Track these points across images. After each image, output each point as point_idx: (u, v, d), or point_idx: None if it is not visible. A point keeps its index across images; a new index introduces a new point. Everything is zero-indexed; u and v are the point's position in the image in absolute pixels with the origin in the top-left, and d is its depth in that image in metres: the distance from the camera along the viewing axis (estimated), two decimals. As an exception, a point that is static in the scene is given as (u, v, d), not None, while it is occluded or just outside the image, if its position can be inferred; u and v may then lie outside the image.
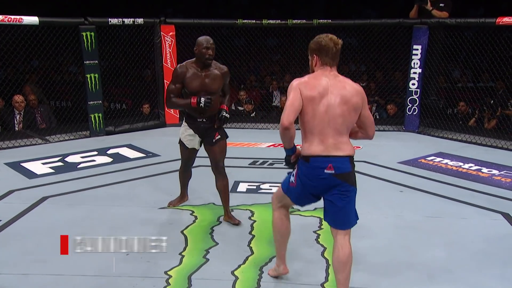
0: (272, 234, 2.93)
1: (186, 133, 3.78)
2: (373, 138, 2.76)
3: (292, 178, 2.71)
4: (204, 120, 3.68)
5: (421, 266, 3.17)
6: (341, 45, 2.61)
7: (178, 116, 7.50)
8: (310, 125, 2.55)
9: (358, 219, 2.68)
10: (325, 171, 2.53)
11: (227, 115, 3.73)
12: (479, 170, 5.31)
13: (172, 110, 7.55)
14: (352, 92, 2.55)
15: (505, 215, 3.96)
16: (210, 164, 3.85)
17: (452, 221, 3.93)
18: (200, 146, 3.83)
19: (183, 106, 3.70)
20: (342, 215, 2.62)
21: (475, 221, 3.92)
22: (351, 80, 2.63)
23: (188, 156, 3.89)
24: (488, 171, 5.24)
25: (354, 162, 2.62)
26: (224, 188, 3.85)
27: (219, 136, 3.74)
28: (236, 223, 3.83)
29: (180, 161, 4.02)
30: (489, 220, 3.87)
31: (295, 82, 2.58)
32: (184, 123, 3.81)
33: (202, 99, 3.50)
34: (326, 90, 2.53)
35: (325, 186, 2.58)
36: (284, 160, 2.76)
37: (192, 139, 3.77)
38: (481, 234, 3.68)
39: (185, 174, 4.09)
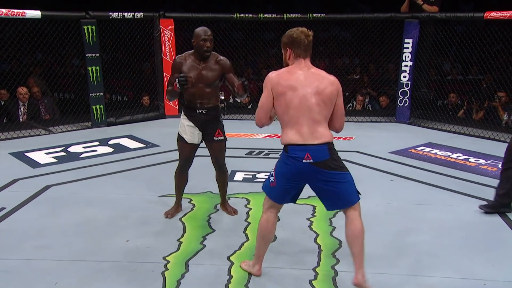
0: (256, 233, 2.86)
1: (186, 127, 3.55)
2: (340, 131, 2.72)
3: (271, 178, 2.68)
4: (203, 111, 3.49)
5: (409, 252, 3.19)
6: (312, 36, 2.60)
7: (177, 107, 7.48)
8: (286, 116, 2.55)
9: (360, 194, 2.65)
10: (304, 160, 2.51)
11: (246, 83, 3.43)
12: (467, 159, 5.32)
13: (171, 102, 7.53)
14: (326, 83, 2.55)
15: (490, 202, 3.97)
16: (208, 155, 3.73)
17: (440, 209, 3.95)
18: (200, 141, 3.61)
19: (172, 92, 3.48)
20: (335, 199, 2.62)
21: (462, 208, 3.94)
22: (325, 72, 2.63)
23: (187, 153, 3.62)
24: (475, 160, 5.25)
25: (337, 150, 2.61)
26: (223, 181, 3.79)
27: (221, 137, 3.58)
28: (230, 213, 3.79)
29: (177, 162, 3.76)
30: (475, 208, 3.88)
31: (266, 80, 2.60)
32: (182, 116, 3.59)
33: (177, 79, 3.28)
34: (300, 82, 2.53)
35: (306, 174, 2.56)
36: None
37: (192, 132, 3.53)
38: (467, 221, 3.70)
39: (182, 177, 3.76)
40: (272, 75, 2.60)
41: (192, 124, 3.52)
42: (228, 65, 3.52)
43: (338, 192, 2.58)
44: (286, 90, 2.52)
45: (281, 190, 2.68)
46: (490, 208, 3.77)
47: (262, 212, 2.81)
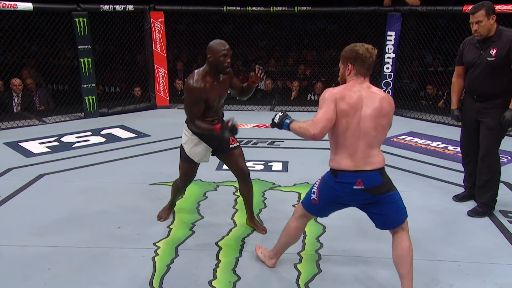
0: (281, 233, 2.73)
1: (197, 148, 3.08)
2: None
3: (313, 196, 2.48)
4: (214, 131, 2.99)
5: (389, 237, 3.23)
6: (374, 56, 2.35)
7: (168, 98, 7.45)
8: (342, 138, 2.30)
9: (406, 211, 2.46)
10: (354, 186, 2.30)
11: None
12: (446, 147, 5.38)
13: (162, 93, 7.50)
14: (386, 106, 2.31)
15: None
16: (229, 168, 3.32)
17: (419, 195, 3.99)
18: (208, 159, 3.21)
19: (205, 130, 2.93)
20: (383, 220, 2.44)
21: (441, 194, 3.99)
22: (381, 90, 2.40)
23: (192, 174, 3.24)
24: (454, 148, 5.30)
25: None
26: (248, 192, 3.30)
27: (236, 144, 3.20)
28: (262, 232, 3.29)
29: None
30: (452, 193, 3.93)
31: (330, 93, 2.29)
32: (190, 136, 3.07)
33: (227, 130, 2.77)
34: (360, 102, 2.27)
35: (355, 200, 2.39)
36: (277, 120, 2.49)
37: (203, 153, 3.12)
38: (445, 206, 3.75)
39: (181, 191, 3.49)
40: (335, 90, 2.31)
41: (204, 144, 3.09)
42: (231, 72, 3.13)
43: (387, 213, 2.40)
44: (349, 109, 2.25)
45: (324, 209, 2.52)
46: (462, 199, 3.82)
47: (292, 217, 2.66)
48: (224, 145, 3.16)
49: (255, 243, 3.13)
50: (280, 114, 2.51)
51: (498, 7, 5.78)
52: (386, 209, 2.39)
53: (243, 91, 3.26)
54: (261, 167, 4.67)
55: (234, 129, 2.76)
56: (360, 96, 2.28)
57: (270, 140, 5.61)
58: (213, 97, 2.99)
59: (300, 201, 2.64)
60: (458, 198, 3.84)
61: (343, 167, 2.32)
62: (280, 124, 2.48)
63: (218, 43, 2.92)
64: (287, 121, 2.45)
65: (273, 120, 2.51)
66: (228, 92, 3.24)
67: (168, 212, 3.51)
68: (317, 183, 2.49)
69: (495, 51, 3.30)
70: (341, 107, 2.25)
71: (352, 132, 2.27)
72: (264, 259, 2.85)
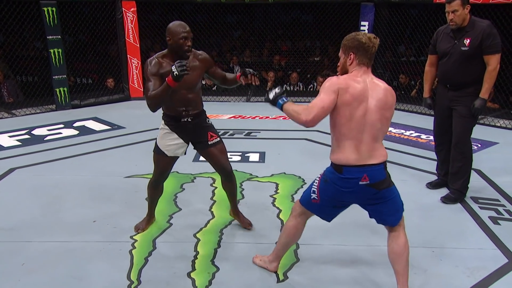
0: (280, 233, 2.66)
1: (168, 140, 2.91)
2: None
3: (314, 195, 2.38)
4: (189, 120, 2.89)
5: (366, 224, 3.28)
6: (377, 45, 2.25)
7: (142, 89, 7.34)
8: (345, 128, 2.19)
9: (403, 205, 2.42)
10: (360, 182, 2.22)
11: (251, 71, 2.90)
12: (419, 136, 5.49)
13: (136, 84, 7.38)
14: (390, 97, 2.25)
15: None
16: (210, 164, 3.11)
17: (394, 183, 4.05)
18: (185, 153, 3.05)
19: (162, 94, 2.60)
20: (385, 215, 2.37)
21: (415, 182, 4.07)
22: (384, 82, 2.30)
23: (166, 166, 3.01)
24: (426, 137, 5.41)
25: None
26: (232, 188, 3.16)
27: (216, 139, 3.01)
28: (248, 227, 3.21)
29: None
30: (425, 181, 4.02)
31: (332, 83, 2.18)
32: (163, 127, 2.93)
33: (174, 67, 2.51)
34: (366, 93, 2.18)
35: (359, 196, 2.30)
36: (271, 96, 2.36)
37: (176, 146, 2.93)
38: (419, 194, 3.83)
39: (157, 190, 3.15)
40: (340, 79, 2.19)
41: (176, 136, 2.91)
42: (209, 58, 2.95)
43: (387, 208, 2.35)
44: (352, 100, 2.16)
45: (327, 209, 2.41)
46: (435, 186, 3.92)
47: (290, 216, 2.56)
48: (201, 141, 2.97)
49: (234, 235, 3.14)
50: (276, 90, 2.36)
51: None
52: (386, 205, 2.34)
53: (227, 81, 3.06)
54: (238, 158, 4.67)
55: (181, 65, 2.48)
56: (365, 87, 2.19)
57: (246, 131, 5.60)
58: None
59: (298, 199, 2.53)
60: (432, 185, 3.93)
61: (348, 162, 2.21)
62: (274, 101, 2.35)
63: (178, 25, 2.74)
64: (281, 101, 2.32)
65: (267, 94, 2.38)
66: (204, 83, 3.10)
67: (146, 220, 3.23)
68: (317, 181, 2.38)
69: (468, 41, 3.37)
70: (344, 98, 2.15)
71: (357, 124, 2.18)
72: (264, 265, 2.73)
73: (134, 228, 3.18)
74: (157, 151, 2.97)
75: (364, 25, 6.92)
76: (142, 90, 7.30)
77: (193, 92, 2.87)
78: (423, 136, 5.46)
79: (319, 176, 2.38)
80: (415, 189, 3.92)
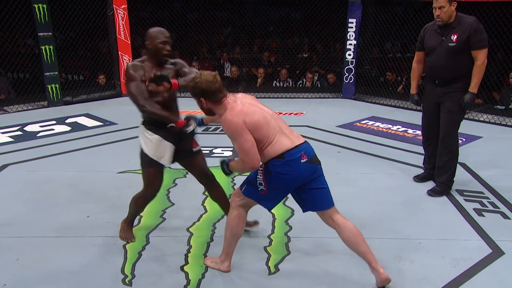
0: (224, 230, 2.61)
1: (161, 148, 2.73)
2: None
3: (261, 187, 2.40)
4: (172, 125, 2.71)
5: (355, 217, 3.28)
6: (219, 78, 2.36)
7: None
8: (270, 138, 2.32)
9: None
10: (301, 160, 2.33)
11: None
12: (405, 131, 5.53)
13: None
14: (253, 97, 2.51)
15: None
16: (192, 174, 3.01)
17: (382, 177, 4.09)
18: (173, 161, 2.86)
19: (157, 116, 2.61)
20: (325, 195, 2.46)
21: (402, 175, 4.10)
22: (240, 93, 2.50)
23: (160, 177, 2.83)
24: (413, 131, 5.45)
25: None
26: (221, 196, 3.04)
27: (199, 147, 2.92)
28: (256, 225, 3.11)
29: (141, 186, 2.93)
30: (412, 174, 4.06)
31: (236, 123, 2.25)
32: (150, 137, 2.73)
33: (190, 127, 2.61)
34: (250, 103, 2.37)
35: (303, 175, 2.37)
36: (224, 169, 2.49)
37: (170, 153, 2.78)
38: (406, 187, 3.87)
39: (143, 207, 2.98)
40: (237, 118, 2.26)
41: (170, 144, 2.76)
42: (182, 63, 2.86)
43: (323, 188, 2.45)
44: (256, 117, 2.30)
45: (276, 198, 2.48)
46: (422, 179, 3.95)
47: (230, 209, 2.56)
48: (187, 148, 2.84)
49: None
50: (223, 164, 2.50)
51: None
52: (324, 182, 2.46)
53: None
54: (230, 153, 4.66)
55: (193, 125, 2.62)
56: (245, 102, 2.36)
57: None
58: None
59: (237, 191, 2.54)
60: (419, 178, 3.96)
61: (285, 148, 2.33)
62: (225, 170, 2.50)
63: (157, 31, 2.71)
64: (226, 166, 2.48)
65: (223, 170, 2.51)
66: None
67: (131, 231, 3.03)
68: (260, 174, 2.39)
69: (455, 36, 3.38)
70: (251, 124, 2.27)
71: (271, 123, 2.34)
72: (216, 266, 2.65)
73: (121, 238, 2.97)
74: (149, 163, 2.74)
75: (352, 22, 6.95)
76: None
77: (174, 94, 2.80)
78: (410, 131, 5.50)
79: (261, 168, 2.39)
80: (403, 182, 3.96)
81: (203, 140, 5.00)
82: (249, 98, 2.47)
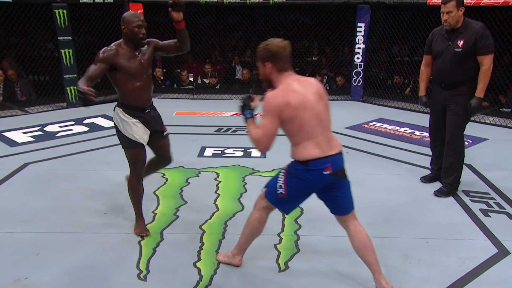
0: (243, 228, 2.58)
1: (138, 128, 2.79)
2: None
3: (281, 190, 2.34)
4: (150, 109, 2.87)
5: (363, 216, 3.27)
6: (290, 47, 2.27)
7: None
8: (302, 134, 2.21)
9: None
10: (324, 172, 2.24)
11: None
12: (413, 133, 5.48)
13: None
14: (320, 87, 2.29)
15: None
16: (155, 154, 3.09)
17: (390, 177, 4.07)
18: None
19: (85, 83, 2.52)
20: (344, 203, 2.39)
21: (409, 176, 4.07)
22: (304, 76, 2.38)
23: (143, 157, 2.90)
24: (420, 133, 5.41)
25: None
26: (156, 168, 3.23)
27: (167, 131, 3.02)
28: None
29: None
30: (419, 175, 4.02)
31: (273, 103, 2.16)
32: (125, 117, 2.77)
33: (80, 89, 2.38)
34: (304, 97, 2.19)
35: (323, 186, 2.31)
36: (241, 108, 2.36)
37: (144, 132, 2.83)
38: (413, 187, 3.84)
39: (140, 189, 2.99)
40: (277, 99, 2.17)
41: (145, 127, 2.83)
42: (154, 39, 2.87)
43: (344, 197, 2.37)
44: (297, 111, 2.17)
45: (294, 202, 2.41)
46: (429, 180, 3.91)
47: (254, 209, 2.51)
48: (157, 131, 2.91)
49: (238, 226, 3.14)
50: (241, 103, 2.37)
51: (434, 0, 5.89)
52: (344, 191, 2.37)
53: (178, 41, 2.84)
54: (241, 153, 4.67)
55: (80, 92, 2.35)
56: (300, 89, 2.21)
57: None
58: (133, 66, 2.71)
59: (261, 194, 2.48)
60: (425, 179, 3.93)
61: (312, 156, 2.22)
62: (242, 110, 2.37)
63: (132, 15, 2.71)
64: (248, 114, 2.33)
65: (240, 105, 2.39)
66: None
67: (143, 225, 3.04)
68: (282, 177, 2.34)
69: (462, 42, 3.36)
70: (287, 114, 2.16)
71: (309, 124, 2.20)
72: (228, 260, 2.66)
73: (136, 234, 2.98)
74: (133, 145, 2.81)
75: (361, 26, 6.90)
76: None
77: (149, 77, 2.83)
78: (417, 133, 5.45)
79: (283, 171, 2.35)
80: (410, 183, 3.93)
81: (216, 141, 5.05)
82: (312, 88, 2.26)
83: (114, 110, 2.86)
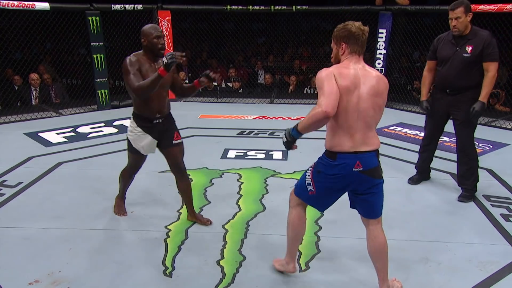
0: (286, 231, 2.48)
1: (141, 140, 2.89)
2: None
3: (310, 187, 2.25)
4: (160, 121, 2.88)
5: (382, 218, 3.24)
6: (367, 33, 2.16)
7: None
8: (341, 118, 2.08)
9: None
10: (353, 169, 2.12)
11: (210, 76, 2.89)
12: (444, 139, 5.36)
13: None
14: (382, 84, 2.14)
15: (452, 175, 4.03)
16: (167, 163, 3.07)
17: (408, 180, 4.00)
18: (154, 150, 3.02)
19: (153, 83, 2.59)
20: (371, 208, 2.27)
21: (434, 182, 3.99)
22: (376, 70, 2.21)
23: (139, 162, 3.09)
24: (440, 138, 5.29)
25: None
26: (187, 188, 3.13)
27: (180, 140, 3.00)
28: (206, 223, 3.16)
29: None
30: (439, 179, 3.95)
31: (326, 72, 2.07)
32: (134, 128, 2.88)
33: (164, 57, 2.52)
34: (357, 80, 2.08)
35: (352, 182, 2.18)
36: (285, 138, 2.24)
37: (149, 146, 2.92)
38: (431, 191, 3.77)
39: (130, 178, 3.23)
40: (331, 68, 2.09)
41: (149, 136, 2.89)
42: (174, 68, 2.88)
43: (373, 200, 2.24)
44: (345, 88, 2.05)
45: (322, 199, 2.29)
46: (416, 181, 3.92)
47: (290, 208, 2.42)
48: (167, 139, 2.94)
49: (259, 226, 3.15)
50: (284, 133, 2.26)
51: (481, 7, 5.78)
52: (377, 197, 2.24)
53: (183, 90, 3.01)
54: (263, 156, 4.67)
55: (171, 57, 2.48)
56: (356, 74, 2.09)
57: (270, 131, 5.60)
58: (147, 77, 2.70)
59: (293, 192, 2.40)
60: (413, 181, 3.94)
61: (342, 149, 2.11)
62: (291, 137, 2.22)
63: (150, 27, 2.77)
64: (293, 131, 2.20)
65: (283, 142, 2.27)
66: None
67: (123, 206, 3.28)
68: (309, 173, 2.27)
69: (470, 48, 3.33)
70: (341, 83, 2.04)
71: (351, 112, 2.07)
72: (283, 268, 2.57)
73: (116, 214, 3.27)
74: (134, 151, 2.98)
75: (382, 33, 6.83)
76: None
77: (165, 91, 2.89)
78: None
79: (311, 168, 2.28)
80: (430, 187, 3.86)
81: (239, 143, 5.07)
82: (371, 81, 2.11)
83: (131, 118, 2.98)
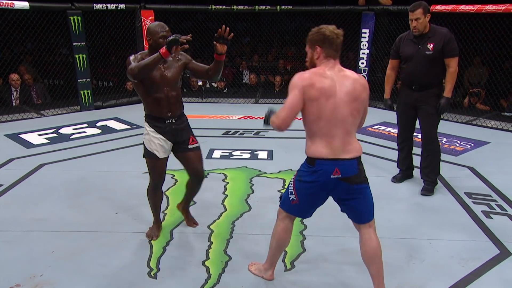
0: (270, 240, 2.45)
1: (155, 141, 2.74)
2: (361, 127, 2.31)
3: (292, 196, 2.23)
4: (173, 121, 2.76)
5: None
6: (342, 37, 2.15)
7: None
8: (316, 126, 2.08)
9: (373, 208, 2.26)
10: (332, 176, 2.09)
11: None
12: (416, 136, 5.43)
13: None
14: (359, 88, 2.10)
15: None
16: (185, 168, 2.94)
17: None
18: (170, 153, 2.86)
19: (152, 62, 2.46)
20: (359, 213, 2.23)
21: (417, 180, 4.05)
22: (354, 72, 2.18)
23: (160, 169, 2.82)
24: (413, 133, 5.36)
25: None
26: (194, 190, 3.05)
27: (196, 144, 2.87)
28: (192, 225, 3.15)
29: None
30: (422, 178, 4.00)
31: (298, 80, 2.07)
32: (148, 129, 2.76)
33: (171, 40, 2.41)
34: (333, 88, 2.05)
35: (332, 189, 2.16)
36: (265, 119, 2.27)
37: (163, 146, 2.76)
38: (414, 189, 3.80)
39: (157, 195, 2.94)
40: (304, 75, 2.07)
41: (163, 137, 2.75)
42: (187, 55, 2.80)
43: (358, 206, 2.21)
44: (319, 95, 2.03)
45: (305, 207, 2.27)
46: (400, 180, 3.98)
47: (277, 220, 2.38)
48: (182, 143, 2.82)
49: (245, 226, 3.15)
50: (266, 114, 2.27)
51: (438, 7, 5.88)
52: (358, 202, 2.20)
53: (211, 70, 2.75)
54: (248, 155, 4.67)
55: (173, 37, 2.41)
56: (332, 81, 2.06)
57: (255, 131, 5.61)
58: (154, 75, 2.63)
59: (279, 204, 2.37)
60: (397, 179, 4.00)
61: (321, 155, 2.09)
62: (267, 123, 2.26)
63: (157, 25, 2.65)
64: (270, 113, 2.23)
65: (264, 119, 2.29)
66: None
67: (156, 227, 3.03)
68: (292, 183, 2.25)
69: (432, 45, 3.45)
70: (310, 94, 2.03)
71: (327, 120, 2.05)
72: (260, 274, 2.54)
73: (146, 236, 2.99)
74: (149, 155, 2.78)
75: (365, 32, 6.89)
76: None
77: (175, 90, 2.74)
78: (420, 136, 5.39)
79: (293, 178, 2.26)
80: (413, 185, 3.90)
81: (224, 143, 5.06)
82: (348, 86, 2.09)
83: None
